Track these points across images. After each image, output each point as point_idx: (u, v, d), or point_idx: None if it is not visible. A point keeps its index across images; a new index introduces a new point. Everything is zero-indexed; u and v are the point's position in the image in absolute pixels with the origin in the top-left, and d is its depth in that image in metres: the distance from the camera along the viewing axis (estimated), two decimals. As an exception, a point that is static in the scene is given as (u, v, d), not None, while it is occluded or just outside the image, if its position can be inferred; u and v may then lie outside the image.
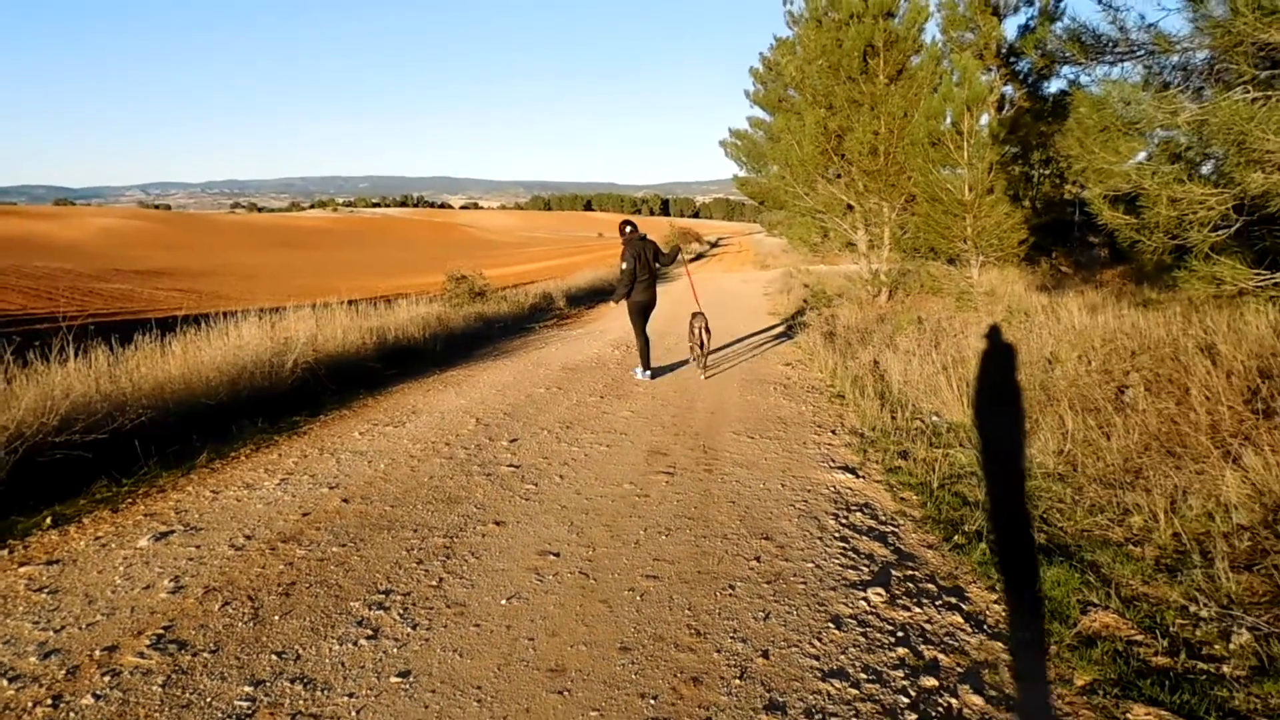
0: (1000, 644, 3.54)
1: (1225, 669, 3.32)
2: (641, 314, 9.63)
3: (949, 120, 11.69)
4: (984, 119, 12.55)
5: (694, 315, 10.17)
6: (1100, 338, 8.28)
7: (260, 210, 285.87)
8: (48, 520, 5.04)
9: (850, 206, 14.95)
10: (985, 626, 3.70)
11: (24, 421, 5.56)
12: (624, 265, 9.39)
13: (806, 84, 14.74)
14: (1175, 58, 5.81)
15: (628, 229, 9.70)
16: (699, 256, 60.43)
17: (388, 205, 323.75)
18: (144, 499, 5.46)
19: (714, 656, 3.37)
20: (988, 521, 4.90)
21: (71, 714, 2.98)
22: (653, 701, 3.05)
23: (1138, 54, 5.87)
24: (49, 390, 6.09)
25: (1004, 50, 14.94)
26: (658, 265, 9.75)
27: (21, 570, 4.30)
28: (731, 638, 3.52)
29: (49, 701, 3.05)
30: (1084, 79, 6.26)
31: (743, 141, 23.15)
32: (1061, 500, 5.24)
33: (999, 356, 8.61)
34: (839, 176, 14.94)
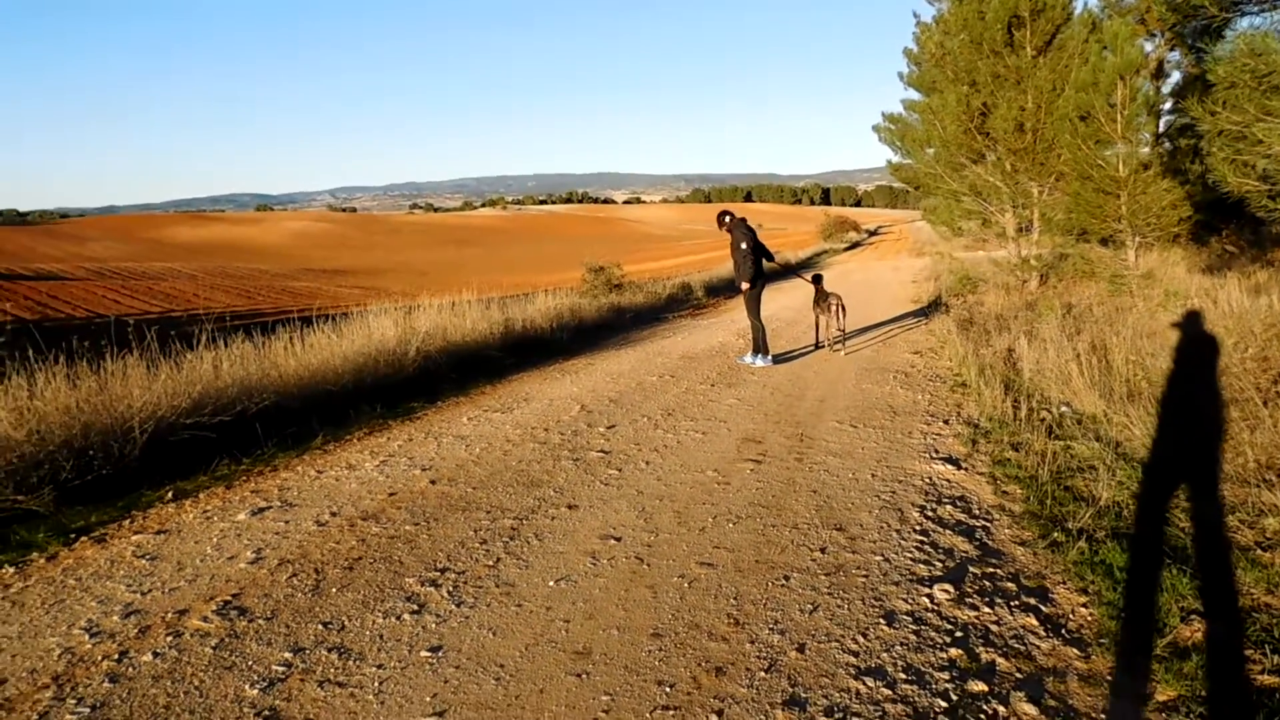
0: (1075, 650, 3.22)
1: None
2: (758, 298, 9.48)
3: (1101, 91, 10.77)
4: (1145, 88, 11.49)
5: (828, 294, 9.98)
6: (1261, 322, 7.44)
7: (436, 210, 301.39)
8: (169, 494, 5.47)
9: (997, 188, 14.09)
10: (1063, 631, 3.37)
11: (157, 405, 6.07)
12: (743, 246, 9.27)
13: (948, 60, 14.00)
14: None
15: (727, 218, 9.58)
16: (854, 245, 58.96)
17: (554, 202, 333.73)
18: (256, 477, 5.83)
19: (746, 647, 3.23)
20: (1096, 519, 4.48)
21: (130, 668, 3.21)
22: (668, 690, 2.96)
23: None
24: (185, 378, 6.62)
25: (1169, 12, 13.59)
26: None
27: (134, 538, 4.68)
28: (770, 629, 3.37)
29: (115, 656, 3.30)
30: (1227, 35, 5.56)
31: (896, 125, 22.23)
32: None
33: (1147, 344, 7.89)
34: (984, 157, 14.10)
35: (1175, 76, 14.22)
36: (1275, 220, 6.07)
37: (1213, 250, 13.57)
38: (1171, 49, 13.93)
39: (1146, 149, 11.15)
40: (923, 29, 15.79)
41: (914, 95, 21.04)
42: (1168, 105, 14.06)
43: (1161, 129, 14.42)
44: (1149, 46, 13.29)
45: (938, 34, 14.42)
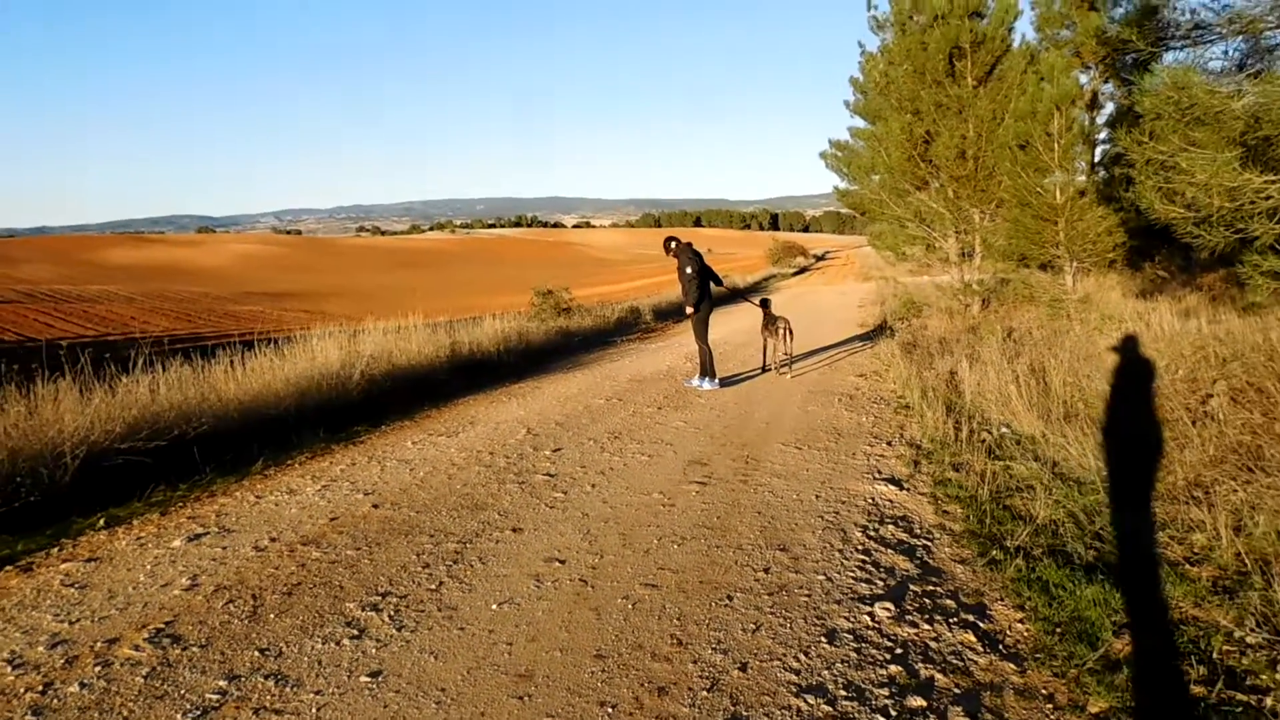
0: (1012, 665, 3.28)
1: (1268, 701, 2.98)
2: (705, 321, 9.56)
3: (1039, 121, 11.13)
4: (1081, 118, 11.90)
5: (776, 318, 10.11)
6: (1191, 345, 7.72)
7: (383, 233, 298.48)
8: (101, 521, 5.32)
9: (940, 214, 14.45)
10: (1001, 647, 3.44)
11: (90, 430, 5.91)
12: (688, 270, 9.33)
13: (892, 89, 14.35)
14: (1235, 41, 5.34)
15: (673, 244, 9.67)
16: (802, 270, 59.74)
17: (502, 226, 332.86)
18: (193, 503, 5.70)
19: (688, 668, 3.24)
20: (1034, 537, 4.59)
21: (55, 700, 3.10)
22: (610, 710, 2.96)
23: (1207, 37, 5.43)
24: (119, 402, 6.46)
25: (1100, 45, 14.13)
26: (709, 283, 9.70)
27: (62, 566, 4.54)
28: (713, 649, 3.38)
29: (39, 688, 3.19)
30: (1154, 69, 5.80)
31: (843, 152, 22.67)
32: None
33: (1083, 367, 8.12)
34: (927, 183, 14.46)
35: (1110, 108, 14.74)
36: (1202, 246, 6.31)
37: (1146, 275, 14.04)
38: (1106, 81, 14.46)
39: (1083, 177, 11.53)
40: (868, 58, 16.16)
41: (860, 123, 21.50)
42: (1103, 135, 14.58)
43: (1097, 158, 14.93)
44: (1084, 79, 13.77)
45: (882, 63, 14.79)
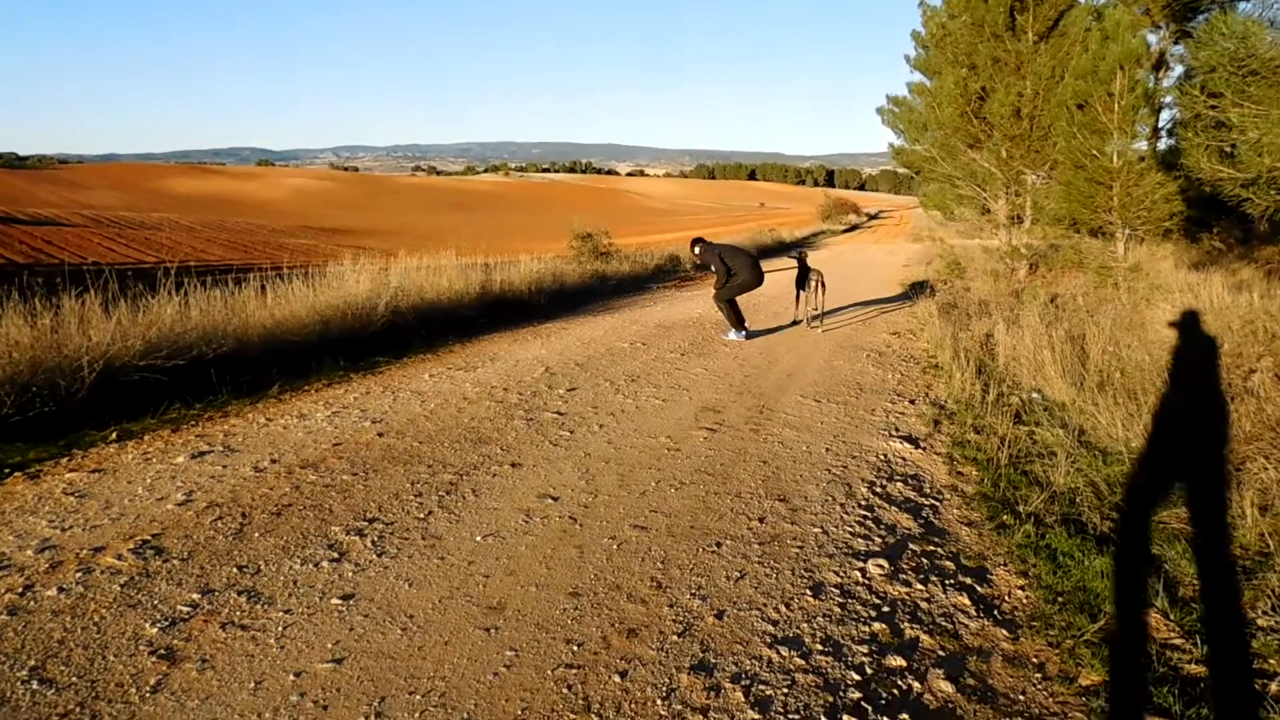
0: (1004, 632, 3.15)
1: (1272, 686, 2.82)
2: (741, 292, 9.42)
3: (1100, 80, 10.59)
4: (1146, 79, 11.30)
5: (809, 270, 9.91)
6: (1240, 319, 7.36)
7: (438, 173, 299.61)
8: (114, 434, 5.38)
9: (992, 173, 13.95)
10: (996, 612, 3.30)
11: (109, 345, 5.96)
12: (713, 267, 9.31)
13: (948, 42, 13.80)
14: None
15: (697, 248, 9.68)
16: (853, 228, 58.79)
17: (557, 171, 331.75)
18: (205, 422, 5.74)
19: (663, 611, 3.16)
20: (1048, 504, 4.41)
21: (31, 602, 3.12)
22: (575, 649, 2.89)
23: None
24: (144, 320, 6.51)
25: (1177, 4, 13.36)
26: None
27: (67, 476, 4.59)
28: (692, 595, 3.29)
29: (19, 589, 3.22)
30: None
31: (900, 108, 21.95)
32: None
33: (1125, 336, 7.81)
34: (980, 142, 13.94)
35: (1179, 70, 14.01)
36: (1250, 209, 5.95)
37: (1203, 247, 13.45)
38: (1176, 42, 13.72)
39: (1144, 143, 10.98)
40: (929, 10, 15.55)
41: (919, 78, 20.81)
42: (1168, 99, 13.89)
43: (1162, 123, 14.24)
44: (1153, 39, 13.05)
45: (942, 15, 14.21)
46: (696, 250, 9.70)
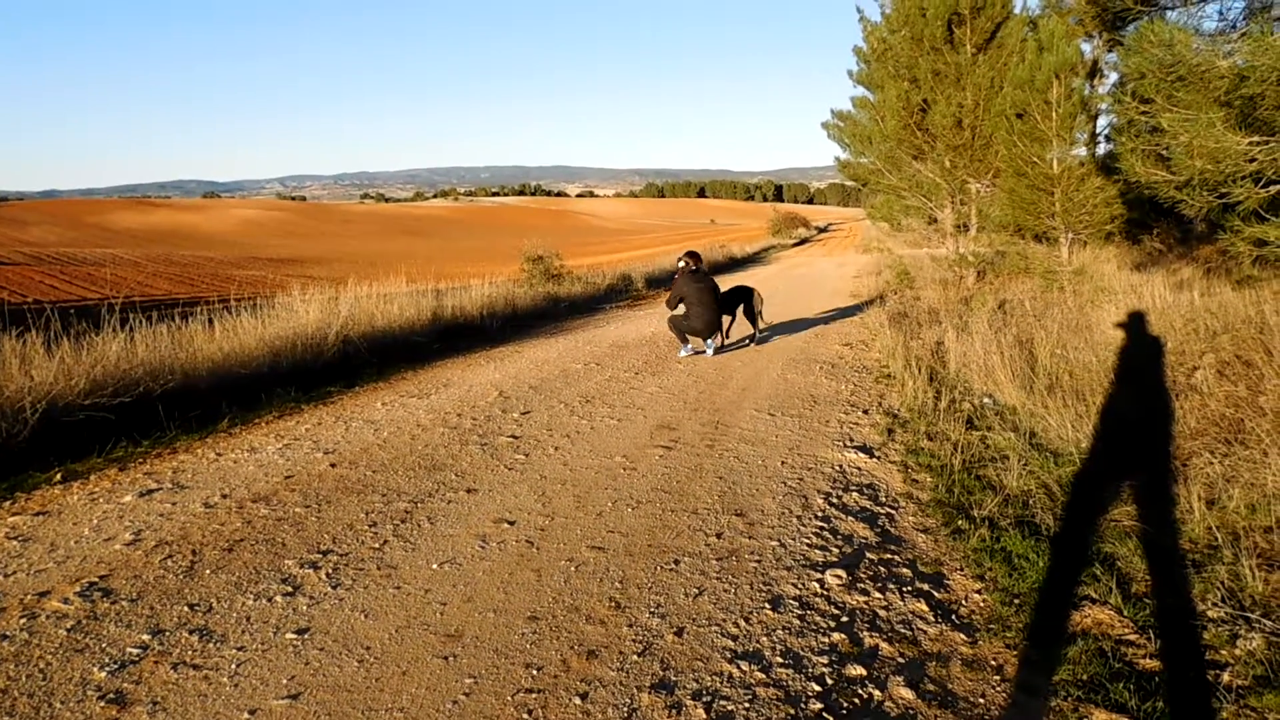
0: (963, 636, 3.20)
1: (1225, 677, 2.90)
2: (684, 331, 9.45)
3: (1038, 89, 10.90)
4: (1081, 87, 11.65)
5: (741, 290, 10.00)
6: (1181, 317, 7.59)
7: (387, 200, 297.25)
8: (58, 475, 5.24)
9: (936, 184, 14.26)
10: (954, 617, 3.36)
11: (52, 385, 5.82)
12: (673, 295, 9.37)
13: (889, 56, 14.11)
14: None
15: (681, 262, 9.65)
16: (803, 241, 59.50)
17: (506, 194, 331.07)
18: (153, 459, 5.62)
19: (623, 631, 3.17)
20: (1002, 507, 4.50)
21: (-26, 652, 3.05)
22: (535, 673, 2.88)
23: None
24: (87, 359, 6.37)
25: (1089, 5, 13.79)
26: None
27: (10, 520, 4.47)
28: (651, 613, 3.31)
29: (-39, 639, 3.14)
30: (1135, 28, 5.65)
31: (845, 122, 22.34)
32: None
33: (1072, 339, 8.01)
34: (923, 153, 14.25)
35: (1113, 78, 14.46)
36: (1184, 211, 6.16)
37: (1144, 248, 13.86)
38: (1110, 50, 14.16)
39: (1082, 149, 11.32)
40: (869, 25, 15.90)
41: (862, 93, 21.20)
42: (1104, 106, 14.32)
43: (1100, 129, 14.67)
44: (1087, 47, 13.46)
45: (883, 30, 14.54)
46: (680, 265, 9.65)
